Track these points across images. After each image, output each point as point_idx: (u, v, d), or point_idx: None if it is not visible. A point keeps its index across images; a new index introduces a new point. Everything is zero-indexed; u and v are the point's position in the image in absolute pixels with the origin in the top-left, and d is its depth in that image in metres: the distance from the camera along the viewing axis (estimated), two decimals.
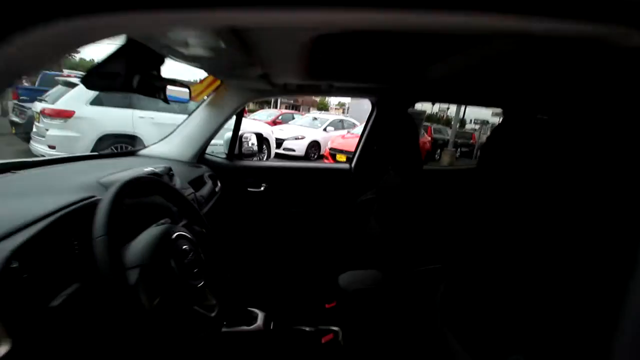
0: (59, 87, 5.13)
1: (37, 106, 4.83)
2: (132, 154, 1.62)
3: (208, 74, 1.27)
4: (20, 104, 6.36)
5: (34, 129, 4.70)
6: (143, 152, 1.66)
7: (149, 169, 1.06)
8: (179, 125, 1.74)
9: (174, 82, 1.06)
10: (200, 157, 1.76)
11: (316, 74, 1.39)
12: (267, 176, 1.92)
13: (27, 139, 4.85)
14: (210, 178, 1.65)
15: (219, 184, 1.74)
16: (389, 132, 1.43)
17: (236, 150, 1.89)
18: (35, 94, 6.20)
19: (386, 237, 1.30)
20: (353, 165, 1.97)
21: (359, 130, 8.19)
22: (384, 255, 1.29)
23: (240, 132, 1.92)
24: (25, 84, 10.69)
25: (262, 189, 1.91)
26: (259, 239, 1.73)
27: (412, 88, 1.59)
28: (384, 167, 1.92)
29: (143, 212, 0.87)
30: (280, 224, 1.95)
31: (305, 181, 1.96)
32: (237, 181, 1.86)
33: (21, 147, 5.22)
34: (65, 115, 4.50)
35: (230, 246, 1.85)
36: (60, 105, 4.53)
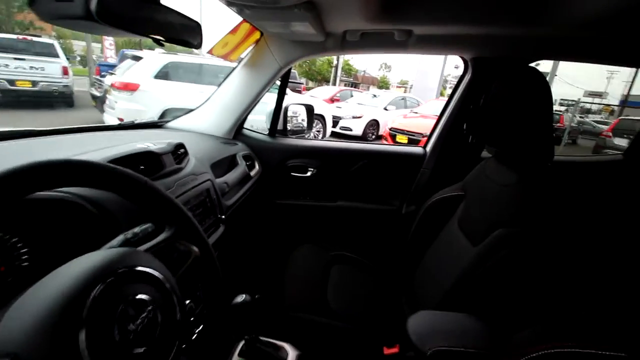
0: (128, 60, 5.33)
1: (108, 79, 5.07)
2: (159, 126, 1.36)
3: None
4: (99, 78, 6.87)
5: (107, 102, 4.95)
6: (171, 124, 1.40)
7: (143, 145, 0.75)
8: (214, 92, 1.44)
9: (179, 16, 0.72)
10: (237, 132, 1.45)
11: (389, 11, 0.94)
12: (316, 158, 1.55)
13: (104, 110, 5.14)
14: (245, 159, 1.33)
15: (257, 167, 1.42)
16: (497, 100, 0.94)
17: (280, 125, 1.54)
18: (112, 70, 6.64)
19: (483, 260, 0.86)
20: (429, 149, 1.49)
21: (422, 109, 7.38)
22: (480, 289, 0.85)
23: (285, 104, 1.57)
24: (110, 61, 11.70)
25: (308, 174, 1.55)
26: (298, 242, 1.38)
27: (533, 37, 1.05)
28: (476, 154, 1.42)
29: (113, 214, 0.56)
30: (327, 221, 1.58)
31: (365, 167, 1.54)
32: (278, 164, 1.53)
33: (98, 118, 5.59)
34: (130, 87, 4.63)
35: (256, 251, 1.55)
36: (126, 78, 4.67)
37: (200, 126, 1.38)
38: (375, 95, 9.20)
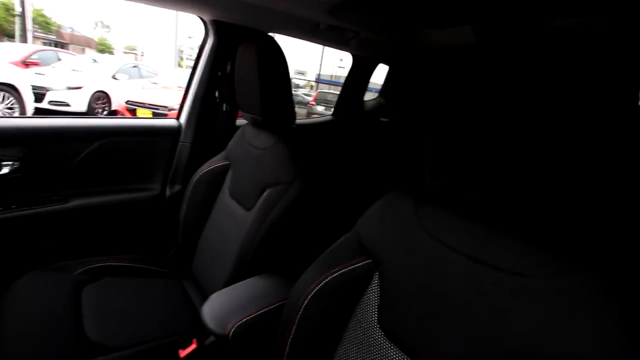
0: None
1: None
2: None
3: None
4: None
5: None
6: None
7: None
8: None
9: None
10: None
11: None
12: (16, 145, 1.04)
13: None
14: None
15: None
16: (242, 68, 0.95)
17: None
18: None
19: (260, 222, 0.90)
20: (184, 121, 1.35)
21: (162, 80, 6.74)
22: (266, 250, 0.89)
23: None
24: None
25: (4, 172, 1.02)
26: (15, 274, 0.92)
27: (267, 8, 1.12)
28: (231, 121, 1.44)
29: None
30: (58, 233, 1.15)
31: (103, 149, 1.20)
32: None
33: None
34: None
35: None
36: None
37: None
38: (95, 60, 7.37)
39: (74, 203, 1.16)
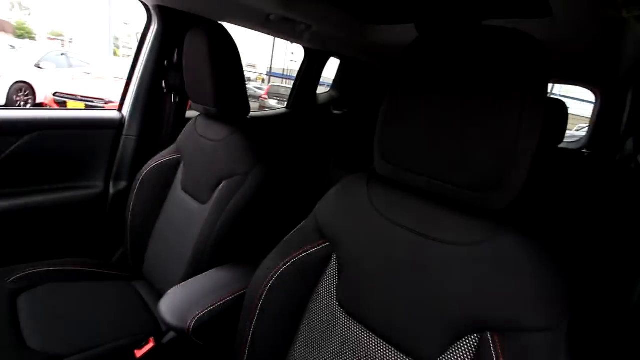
0: None
1: None
2: None
3: None
4: None
5: None
6: None
7: None
8: None
9: None
10: None
11: None
12: None
13: None
14: None
15: None
16: (191, 57, 0.92)
17: None
18: None
19: (217, 215, 0.89)
20: (127, 113, 1.26)
21: (96, 70, 6.14)
22: (224, 242, 0.88)
23: None
24: None
25: None
26: None
27: None
28: (182, 113, 1.38)
29: None
30: None
31: (34, 145, 1.08)
32: None
33: None
34: None
35: None
36: None
37: None
38: (13, 47, 6.49)
39: (0, 204, 1.03)
